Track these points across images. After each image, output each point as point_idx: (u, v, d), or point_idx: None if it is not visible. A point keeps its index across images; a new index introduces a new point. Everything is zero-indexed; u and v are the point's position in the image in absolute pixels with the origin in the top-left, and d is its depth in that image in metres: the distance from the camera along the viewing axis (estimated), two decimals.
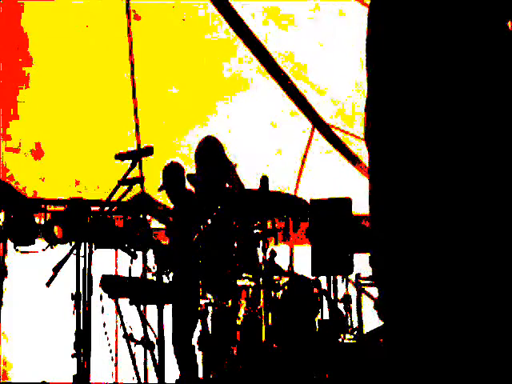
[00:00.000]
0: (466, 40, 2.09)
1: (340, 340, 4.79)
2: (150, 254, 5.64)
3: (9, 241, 5.92)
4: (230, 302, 4.90)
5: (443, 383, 2.04)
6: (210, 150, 5.73)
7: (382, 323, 2.27)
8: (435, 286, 2.06)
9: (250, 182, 5.57)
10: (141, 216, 5.67)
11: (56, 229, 5.82)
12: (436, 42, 2.10)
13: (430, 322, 2.07)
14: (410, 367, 2.11)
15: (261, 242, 4.86)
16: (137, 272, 5.58)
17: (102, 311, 5.14)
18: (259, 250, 4.95)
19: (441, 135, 2.08)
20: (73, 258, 4.66)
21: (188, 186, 6.00)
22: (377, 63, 2.21)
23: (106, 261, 5.53)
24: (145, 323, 5.29)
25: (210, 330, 4.93)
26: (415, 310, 2.10)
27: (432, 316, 2.06)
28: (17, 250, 5.92)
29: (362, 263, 5.38)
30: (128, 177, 4.65)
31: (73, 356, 4.66)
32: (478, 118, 2.07)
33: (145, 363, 5.42)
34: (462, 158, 2.06)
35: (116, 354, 5.40)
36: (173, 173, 6.22)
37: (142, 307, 5.39)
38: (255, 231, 5.12)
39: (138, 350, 5.29)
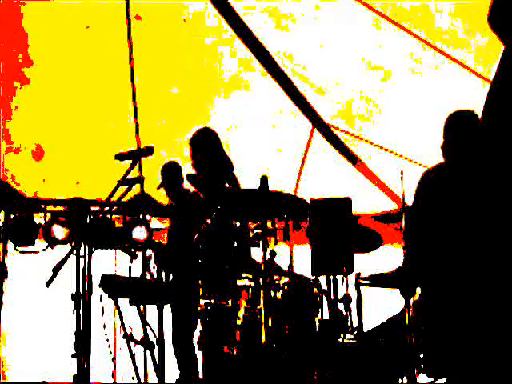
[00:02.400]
0: None
1: (340, 340, 4.79)
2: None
3: (9, 241, 5.92)
4: (229, 301, 4.90)
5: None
6: (205, 140, 5.71)
7: (381, 322, 2.27)
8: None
9: (250, 182, 5.56)
10: (141, 216, 5.67)
11: (60, 229, 5.82)
12: None
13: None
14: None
15: (261, 242, 4.86)
16: (137, 272, 5.59)
17: (102, 312, 5.14)
18: (259, 249, 4.95)
19: None
20: (73, 258, 4.66)
21: (188, 186, 6.00)
22: None
23: (106, 261, 5.52)
24: (145, 323, 5.29)
25: (210, 330, 4.93)
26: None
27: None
28: (17, 250, 5.92)
29: (362, 263, 5.38)
30: (128, 177, 4.65)
31: (73, 356, 4.66)
32: None
33: (145, 363, 5.43)
34: None
35: (116, 354, 5.40)
36: (171, 172, 6.23)
37: (141, 307, 5.39)
38: (255, 231, 5.12)
39: (138, 350, 5.29)
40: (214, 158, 5.67)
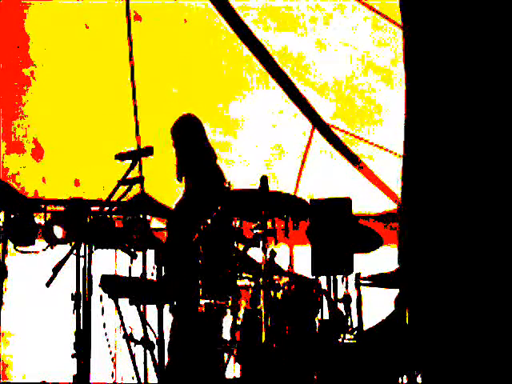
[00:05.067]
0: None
1: (340, 340, 4.79)
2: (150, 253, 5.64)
3: (9, 241, 5.91)
4: (229, 301, 4.90)
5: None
6: (183, 128, 5.67)
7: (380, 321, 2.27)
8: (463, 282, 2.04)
9: (250, 182, 5.56)
10: (141, 216, 5.67)
11: (59, 229, 5.82)
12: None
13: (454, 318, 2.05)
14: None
15: (261, 242, 4.86)
16: (137, 272, 5.58)
17: (102, 312, 5.14)
18: (259, 250, 4.95)
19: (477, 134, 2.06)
20: (73, 257, 4.66)
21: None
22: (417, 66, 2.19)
23: (106, 261, 5.52)
24: (145, 323, 5.29)
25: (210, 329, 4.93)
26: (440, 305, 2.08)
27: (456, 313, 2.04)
28: (17, 250, 5.92)
29: (361, 263, 5.38)
30: (128, 177, 4.66)
31: (73, 356, 4.66)
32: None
33: (145, 363, 5.42)
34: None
35: (116, 354, 5.39)
36: None
37: (141, 307, 5.38)
38: (255, 231, 5.12)
39: (138, 350, 5.29)
40: (191, 146, 5.61)
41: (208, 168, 5.62)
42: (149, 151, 4.81)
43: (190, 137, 5.63)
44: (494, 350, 2.01)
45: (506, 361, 2.00)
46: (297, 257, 5.28)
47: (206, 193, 5.42)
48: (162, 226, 7.57)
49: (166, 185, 6.71)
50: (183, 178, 5.70)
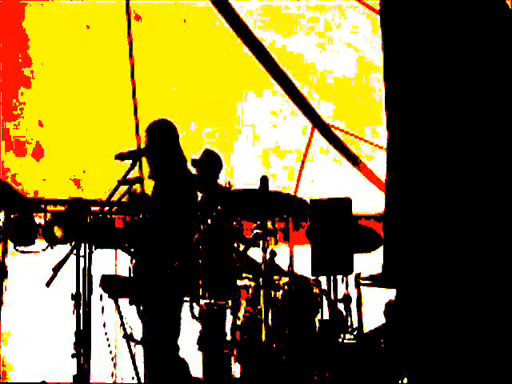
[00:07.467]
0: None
1: (340, 340, 4.79)
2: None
3: (9, 241, 5.92)
4: (229, 301, 4.90)
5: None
6: (160, 132, 5.56)
7: (381, 323, 2.27)
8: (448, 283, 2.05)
9: (250, 182, 5.56)
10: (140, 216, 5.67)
11: (56, 229, 5.82)
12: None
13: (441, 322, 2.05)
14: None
15: (261, 242, 4.87)
16: None
17: (102, 311, 5.14)
18: (259, 250, 4.95)
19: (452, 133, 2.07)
20: (73, 258, 4.66)
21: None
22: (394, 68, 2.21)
23: (106, 261, 5.52)
24: (145, 323, 5.29)
25: (210, 330, 4.93)
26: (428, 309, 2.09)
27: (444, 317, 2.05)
28: (17, 250, 5.92)
29: (361, 263, 5.38)
30: (128, 177, 4.66)
31: (73, 356, 4.66)
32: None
33: (145, 363, 5.41)
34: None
35: (116, 354, 5.39)
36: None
37: (141, 307, 5.38)
38: (255, 231, 5.12)
39: (138, 350, 5.29)
40: (163, 150, 5.51)
41: (178, 173, 5.51)
42: None
43: (163, 141, 5.51)
44: (479, 352, 2.02)
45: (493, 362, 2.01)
46: (297, 257, 5.27)
47: (174, 197, 5.37)
48: None
49: None
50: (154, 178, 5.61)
